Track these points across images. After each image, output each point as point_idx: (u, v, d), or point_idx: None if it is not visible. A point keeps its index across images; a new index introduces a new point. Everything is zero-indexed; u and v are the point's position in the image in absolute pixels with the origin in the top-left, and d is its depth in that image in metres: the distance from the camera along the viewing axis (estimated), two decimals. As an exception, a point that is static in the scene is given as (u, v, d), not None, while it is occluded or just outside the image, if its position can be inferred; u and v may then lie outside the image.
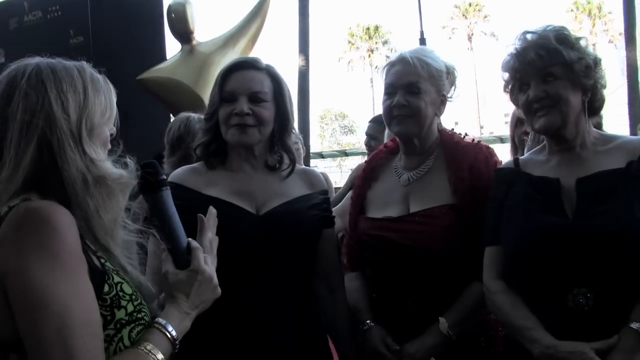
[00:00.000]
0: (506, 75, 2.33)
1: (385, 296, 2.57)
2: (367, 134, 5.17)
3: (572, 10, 55.07)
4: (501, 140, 25.82)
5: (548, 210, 2.18)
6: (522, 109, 2.31)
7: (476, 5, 62.75)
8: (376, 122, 5.06)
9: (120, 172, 1.63)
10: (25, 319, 1.39)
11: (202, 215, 1.85)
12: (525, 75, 2.24)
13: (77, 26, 6.75)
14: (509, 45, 2.31)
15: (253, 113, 2.40)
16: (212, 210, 1.89)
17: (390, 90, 2.59)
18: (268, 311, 2.31)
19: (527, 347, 2.10)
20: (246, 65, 2.48)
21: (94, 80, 1.67)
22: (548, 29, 2.25)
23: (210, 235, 1.84)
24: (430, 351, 2.42)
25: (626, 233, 2.02)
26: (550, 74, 2.19)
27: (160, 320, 1.63)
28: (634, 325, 1.98)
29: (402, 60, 2.59)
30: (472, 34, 63.14)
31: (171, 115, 6.44)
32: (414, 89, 2.54)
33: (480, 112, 60.12)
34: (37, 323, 1.38)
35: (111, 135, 1.74)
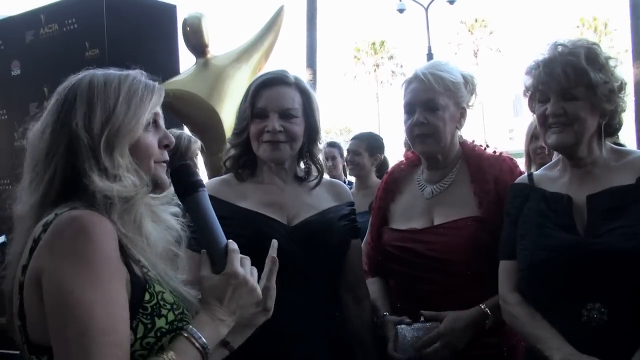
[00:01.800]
0: (529, 81, 2.33)
1: (411, 306, 2.58)
2: (350, 150, 5.44)
3: (577, 27, 55.16)
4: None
5: (560, 226, 2.21)
6: (537, 118, 2.33)
7: (482, 21, 62.88)
8: (357, 138, 5.50)
9: (133, 182, 1.62)
10: (52, 320, 1.44)
11: (275, 258, 1.85)
12: (547, 88, 2.25)
13: (92, 39, 6.76)
14: (538, 52, 2.30)
15: (284, 129, 2.43)
16: (274, 244, 1.89)
17: (409, 109, 2.63)
18: (302, 321, 2.34)
19: (547, 355, 2.11)
20: (276, 81, 2.51)
21: (130, 89, 1.67)
22: (579, 44, 2.24)
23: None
24: (467, 322, 2.42)
25: (636, 250, 2.04)
26: (572, 94, 2.20)
27: (188, 327, 1.60)
28: None
29: (417, 78, 2.61)
30: (478, 50, 63.23)
31: (185, 127, 6.46)
32: (431, 105, 2.56)
33: (485, 128, 60.13)
34: (61, 326, 1.42)
35: (167, 146, 1.75)
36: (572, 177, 2.31)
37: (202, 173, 5.72)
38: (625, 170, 2.23)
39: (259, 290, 1.75)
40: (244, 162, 2.54)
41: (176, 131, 4.77)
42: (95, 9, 6.78)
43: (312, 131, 2.54)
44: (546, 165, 2.51)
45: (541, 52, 2.29)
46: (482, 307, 2.45)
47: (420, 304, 2.54)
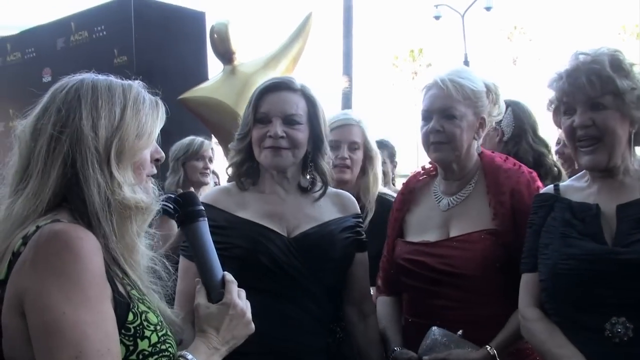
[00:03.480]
0: (552, 94, 2.25)
1: (421, 320, 2.51)
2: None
3: (619, 34, 54.28)
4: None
5: (587, 236, 2.11)
6: (564, 132, 2.24)
7: (521, 28, 62.32)
8: (379, 147, 4.88)
9: (140, 198, 1.59)
10: (41, 344, 1.36)
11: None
12: (573, 99, 2.16)
13: (121, 46, 6.84)
14: (560, 64, 2.22)
15: (287, 136, 2.38)
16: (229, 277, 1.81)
17: (426, 116, 2.55)
18: (299, 334, 2.29)
19: None
20: (281, 86, 2.45)
21: (137, 101, 1.64)
22: (602, 51, 2.15)
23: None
24: None
25: None
26: (599, 103, 2.11)
27: (186, 354, 1.60)
28: None
29: (436, 84, 2.53)
30: (517, 58, 62.63)
31: (212, 134, 6.45)
32: (448, 113, 2.48)
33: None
34: (52, 350, 1.35)
35: (157, 160, 1.72)
36: (601, 187, 2.21)
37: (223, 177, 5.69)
38: None
39: (252, 324, 1.76)
40: (247, 169, 2.48)
41: (190, 137, 4.83)
42: (124, 16, 6.87)
43: (317, 140, 2.47)
44: (574, 177, 2.42)
45: (563, 63, 2.21)
46: (489, 349, 2.34)
47: (432, 319, 2.45)
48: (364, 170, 3.34)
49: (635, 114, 2.11)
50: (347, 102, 17.94)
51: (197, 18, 7.55)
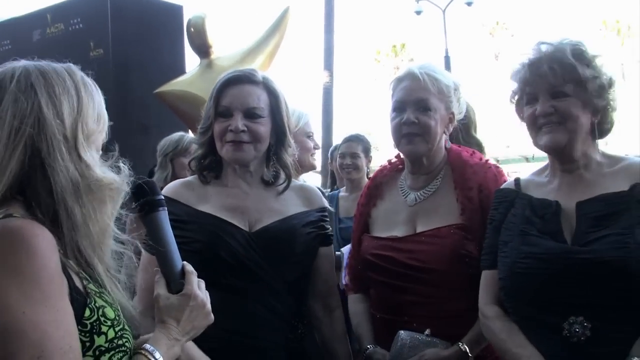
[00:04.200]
0: (515, 85, 2.25)
1: (390, 317, 2.50)
2: (346, 153, 5.09)
3: (600, 30, 54.54)
4: (526, 159, 25.56)
5: (546, 234, 2.10)
6: (526, 122, 2.23)
7: (503, 24, 62.43)
8: (353, 140, 5.23)
9: (113, 177, 1.57)
10: (0, 346, 1.32)
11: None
12: (535, 88, 2.16)
13: (97, 38, 6.79)
14: (522, 54, 2.22)
15: (248, 129, 2.35)
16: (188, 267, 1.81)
17: (399, 107, 2.52)
18: (259, 329, 2.27)
19: None
20: (242, 79, 2.42)
21: (85, 83, 1.62)
22: (565, 42, 2.15)
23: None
24: None
25: (626, 259, 1.92)
26: (561, 91, 2.11)
27: (147, 346, 1.59)
28: None
29: (411, 76, 2.52)
30: (499, 53, 62.75)
31: (189, 128, 6.43)
32: (423, 105, 2.47)
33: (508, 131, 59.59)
34: (14, 351, 1.31)
35: (103, 142, 1.68)
36: (561, 183, 2.20)
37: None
38: (619, 176, 2.12)
39: (212, 315, 1.75)
40: (209, 163, 2.46)
41: (179, 133, 4.82)
42: (100, 9, 6.82)
43: (279, 133, 2.44)
44: (534, 171, 2.40)
45: (526, 54, 2.20)
46: (461, 345, 2.34)
47: (400, 315, 2.45)
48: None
49: (597, 103, 2.11)
50: (328, 97, 17.90)
51: (174, 11, 7.49)
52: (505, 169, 2.92)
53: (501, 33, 61.93)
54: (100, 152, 1.64)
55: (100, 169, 1.55)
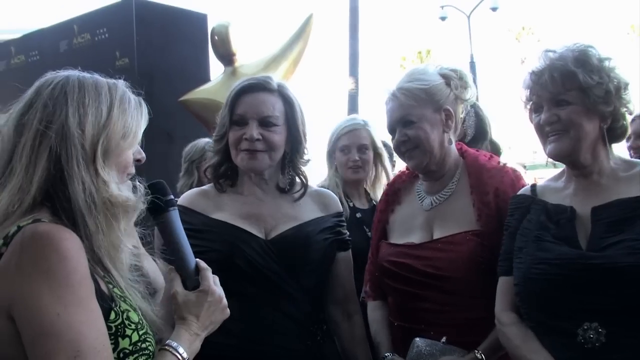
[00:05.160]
0: (525, 93, 2.24)
1: (407, 324, 2.49)
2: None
3: (628, 34, 53.85)
4: (554, 165, 25.24)
5: (561, 239, 2.09)
6: (534, 130, 2.23)
7: (529, 29, 62.02)
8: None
9: (127, 196, 1.59)
10: (37, 348, 1.36)
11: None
12: (539, 97, 2.16)
13: (123, 48, 6.86)
14: (531, 62, 2.22)
15: (263, 138, 2.36)
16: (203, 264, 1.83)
17: (390, 129, 2.54)
18: (277, 336, 2.27)
19: None
20: (258, 87, 2.42)
21: (123, 100, 1.64)
22: (571, 48, 2.13)
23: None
24: None
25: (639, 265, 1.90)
26: (563, 99, 2.10)
27: (171, 342, 1.62)
28: None
29: (390, 97, 2.52)
30: (526, 58, 62.29)
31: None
32: (406, 120, 2.46)
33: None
34: (50, 352, 1.35)
35: (138, 161, 1.71)
36: (577, 188, 2.19)
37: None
38: (635, 181, 2.09)
39: (228, 309, 1.79)
40: (224, 170, 2.47)
41: (204, 140, 4.81)
42: (126, 18, 6.88)
43: (294, 141, 2.45)
44: (551, 177, 2.39)
45: (533, 62, 2.20)
46: (477, 353, 2.32)
47: (417, 322, 2.44)
48: (375, 167, 3.73)
49: (603, 109, 2.09)
50: (353, 104, 17.89)
51: (198, 20, 7.55)
52: (532, 174, 2.89)
53: (527, 38, 61.47)
54: (131, 170, 1.68)
55: (115, 186, 1.57)
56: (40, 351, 1.35)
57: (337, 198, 2.66)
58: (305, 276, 2.36)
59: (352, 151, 3.67)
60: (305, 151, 2.49)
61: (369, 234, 3.04)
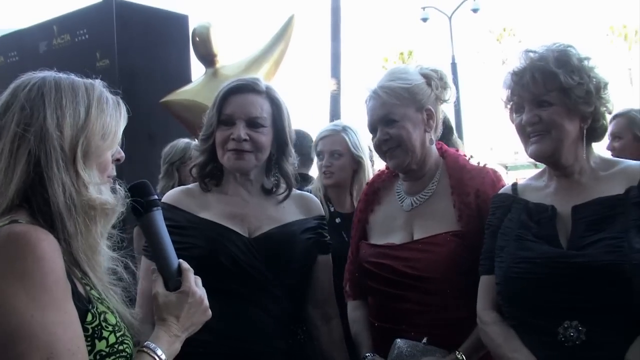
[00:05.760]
0: (505, 93, 2.24)
1: (387, 325, 2.48)
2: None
3: (607, 35, 54.37)
4: (535, 165, 25.39)
5: (542, 238, 2.10)
6: (516, 130, 2.23)
7: (510, 30, 62.40)
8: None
9: (106, 199, 1.58)
10: (9, 350, 1.34)
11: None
12: (520, 98, 2.16)
13: (103, 49, 6.82)
14: (511, 62, 2.21)
15: (250, 138, 2.36)
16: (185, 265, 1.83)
17: (372, 128, 2.54)
18: (259, 334, 2.27)
19: None
20: (246, 88, 2.43)
21: (101, 100, 1.63)
22: (551, 48, 2.14)
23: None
24: None
25: (620, 263, 1.92)
26: (544, 100, 2.10)
27: (149, 344, 1.62)
28: None
29: (371, 95, 2.52)
30: (507, 59, 62.66)
31: (195, 137, 6.43)
32: (388, 119, 2.46)
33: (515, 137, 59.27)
34: (23, 354, 1.33)
35: (118, 160, 1.70)
36: (558, 187, 2.20)
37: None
38: (615, 179, 2.11)
39: (209, 310, 1.78)
40: (210, 170, 2.47)
41: (184, 140, 4.78)
42: (106, 19, 6.84)
43: (281, 143, 2.46)
44: (532, 175, 2.40)
45: (514, 62, 2.20)
46: (458, 353, 2.32)
47: (397, 323, 2.43)
48: (356, 172, 3.67)
49: (583, 109, 2.10)
50: (335, 105, 17.87)
51: (179, 21, 7.54)
52: (514, 175, 2.90)
53: (508, 39, 61.87)
54: (111, 171, 1.67)
55: (96, 188, 1.57)
56: (13, 352, 1.34)
57: (319, 202, 2.67)
58: (288, 275, 2.37)
59: (325, 157, 3.72)
60: (291, 153, 2.50)
61: (347, 239, 3.03)
